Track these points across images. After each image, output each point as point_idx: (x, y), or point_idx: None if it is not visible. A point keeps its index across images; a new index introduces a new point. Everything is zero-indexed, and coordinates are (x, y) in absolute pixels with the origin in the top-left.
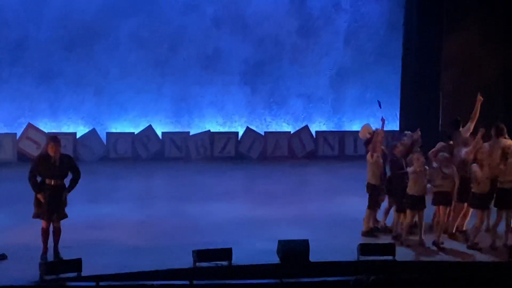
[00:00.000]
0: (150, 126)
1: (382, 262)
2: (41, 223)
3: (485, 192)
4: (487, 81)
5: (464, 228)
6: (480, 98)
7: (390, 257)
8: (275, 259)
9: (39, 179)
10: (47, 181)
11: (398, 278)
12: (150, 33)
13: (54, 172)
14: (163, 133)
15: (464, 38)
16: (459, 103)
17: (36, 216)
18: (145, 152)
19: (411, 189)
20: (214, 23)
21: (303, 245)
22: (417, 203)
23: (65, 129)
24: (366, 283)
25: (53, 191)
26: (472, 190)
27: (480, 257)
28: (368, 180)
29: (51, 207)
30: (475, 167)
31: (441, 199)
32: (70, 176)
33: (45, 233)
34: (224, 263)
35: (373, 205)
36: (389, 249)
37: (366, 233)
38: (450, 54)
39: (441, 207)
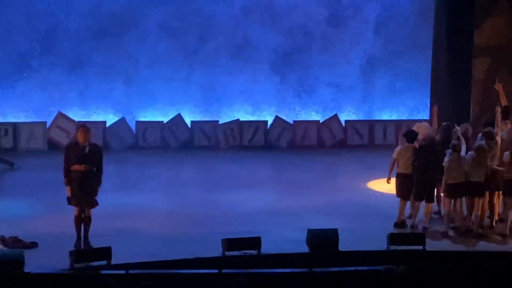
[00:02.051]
0: (179, 114)
1: (412, 252)
2: (73, 211)
3: None
4: None
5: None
6: (498, 85)
7: (420, 247)
8: (304, 248)
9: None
10: (77, 167)
11: (429, 268)
12: (179, 22)
13: (83, 158)
14: (192, 122)
15: (496, 25)
16: (490, 91)
17: (68, 201)
18: (174, 141)
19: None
20: (243, 12)
21: (332, 234)
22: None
23: (95, 117)
24: (397, 273)
25: (83, 177)
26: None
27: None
28: (398, 170)
29: (82, 193)
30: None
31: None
32: None
33: (78, 220)
34: (253, 252)
35: (403, 195)
36: (419, 238)
37: (396, 225)
38: (481, 42)
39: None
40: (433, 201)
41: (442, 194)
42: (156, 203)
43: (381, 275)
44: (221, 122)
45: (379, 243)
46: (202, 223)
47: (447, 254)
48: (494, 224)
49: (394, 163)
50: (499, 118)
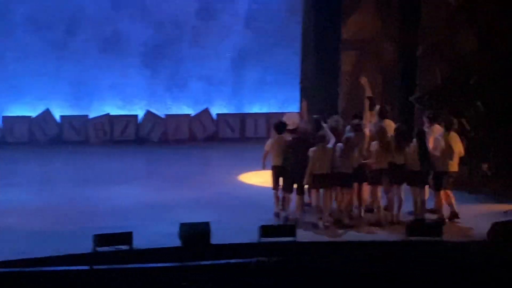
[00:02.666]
0: (47, 109)
1: (283, 244)
2: None
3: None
4: (386, 62)
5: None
6: (363, 78)
7: (291, 238)
8: (177, 242)
9: None
10: None
11: (300, 259)
12: (46, 15)
13: None
14: (61, 116)
15: (362, 19)
16: (358, 84)
17: None
18: (43, 136)
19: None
20: (113, 4)
21: (204, 227)
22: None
23: None
24: (268, 264)
25: None
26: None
27: (380, 236)
28: (272, 162)
29: None
30: None
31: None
32: None
33: None
34: (125, 247)
35: (276, 187)
36: (290, 230)
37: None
38: (348, 35)
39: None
40: (303, 193)
41: (307, 186)
42: (25, 200)
43: (252, 267)
44: (91, 116)
45: (251, 235)
46: (72, 219)
47: (318, 245)
48: (362, 214)
49: (266, 155)
50: (367, 110)
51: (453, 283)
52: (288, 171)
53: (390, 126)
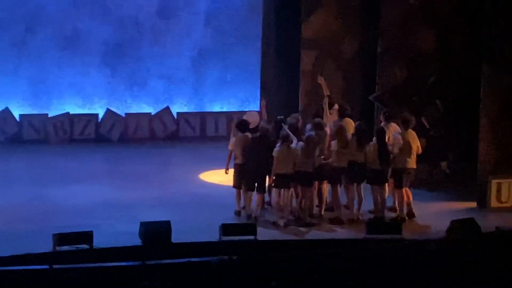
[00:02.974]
0: (7, 108)
1: (244, 242)
2: None
3: None
4: (346, 60)
5: None
6: (320, 78)
7: (252, 237)
8: (137, 241)
9: None
10: None
11: (260, 257)
12: (5, 13)
13: None
14: (20, 115)
15: (322, 18)
16: (318, 83)
17: None
18: (2, 135)
19: None
20: (73, 2)
21: (165, 226)
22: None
23: None
24: (229, 263)
25: None
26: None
27: (340, 234)
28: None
29: None
30: None
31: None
32: None
33: None
34: (85, 246)
35: (237, 185)
36: (250, 229)
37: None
38: (308, 34)
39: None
40: (265, 192)
41: (272, 185)
42: None
43: (213, 266)
44: (50, 115)
45: (212, 234)
46: (32, 218)
47: (278, 243)
48: (322, 213)
49: (230, 155)
50: (327, 109)
51: (412, 280)
52: (249, 170)
53: (350, 124)
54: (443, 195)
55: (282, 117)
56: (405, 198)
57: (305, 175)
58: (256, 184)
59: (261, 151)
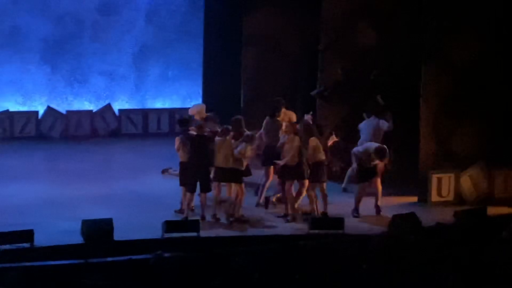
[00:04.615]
0: None
1: (187, 239)
2: None
3: None
4: (288, 57)
5: None
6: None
7: (194, 234)
8: (79, 239)
9: None
10: None
11: (202, 254)
12: None
13: None
14: None
15: (264, 15)
16: (260, 79)
17: None
18: None
19: None
20: None
21: (107, 224)
22: None
23: None
24: (167, 260)
25: None
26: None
27: (283, 230)
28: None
29: None
30: None
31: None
32: None
33: None
34: (26, 245)
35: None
36: (193, 226)
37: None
38: (250, 31)
39: None
40: (208, 190)
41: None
42: None
43: (150, 263)
44: None
45: (155, 231)
46: None
47: (221, 240)
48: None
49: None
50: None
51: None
52: (190, 170)
53: (292, 116)
54: (385, 190)
55: (240, 116)
56: (361, 195)
57: (235, 172)
58: (199, 184)
59: (201, 150)
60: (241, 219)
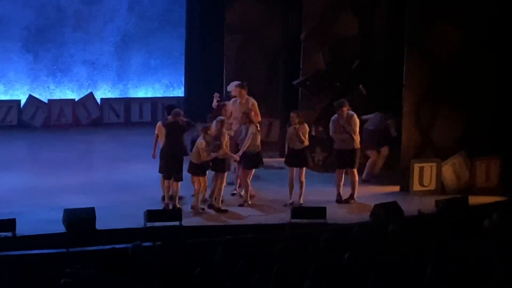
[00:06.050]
0: None
1: (169, 228)
2: None
3: None
4: (270, 46)
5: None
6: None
7: (176, 223)
8: (61, 228)
9: None
10: None
11: (184, 243)
12: None
13: None
14: None
15: (246, 4)
16: (242, 68)
17: None
18: None
19: None
20: None
21: (89, 213)
22: None
23: None
24: (147, 249)
25: None
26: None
27: (264, 219)
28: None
29: None
30: None
31: None
32: None
33: None
34: (8, 234)
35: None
36: (175, 215)
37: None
38: (232, 20)
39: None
40: (181, 179)
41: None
42: None
43: (136, 252)
44: None
45: (137, 220)
46: None
47: (203, 229)
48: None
49: (156, 138)
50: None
51: (335, 264)
52: (165, 157)
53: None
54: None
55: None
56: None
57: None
58: (173, 172)
59: (176, 139)
60: (220, 209)
